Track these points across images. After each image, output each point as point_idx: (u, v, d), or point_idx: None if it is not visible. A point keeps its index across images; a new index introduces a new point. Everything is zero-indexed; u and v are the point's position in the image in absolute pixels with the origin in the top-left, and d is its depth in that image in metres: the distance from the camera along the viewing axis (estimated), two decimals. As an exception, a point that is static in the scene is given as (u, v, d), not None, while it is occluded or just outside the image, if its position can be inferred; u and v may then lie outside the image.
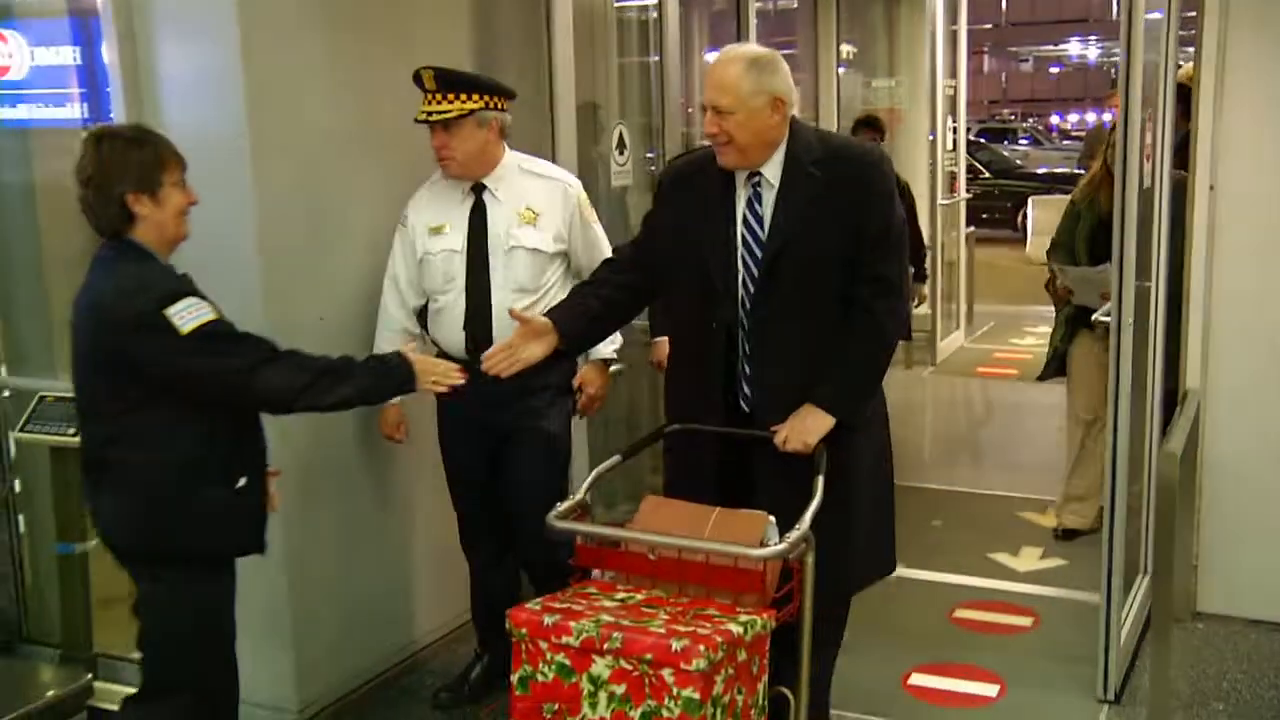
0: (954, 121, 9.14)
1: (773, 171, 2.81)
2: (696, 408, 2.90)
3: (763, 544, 2.51)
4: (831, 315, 2.81)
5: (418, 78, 3.31)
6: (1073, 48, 39.69)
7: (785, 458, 2.76)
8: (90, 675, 3.50)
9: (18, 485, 3.98)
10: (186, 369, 2.54)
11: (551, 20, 4.05)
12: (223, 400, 2.63)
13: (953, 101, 9.08)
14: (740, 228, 2.83)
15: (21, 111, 3.87)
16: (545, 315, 2.94)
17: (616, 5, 5.41)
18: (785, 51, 10.60)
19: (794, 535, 2.46)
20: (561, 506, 2.65)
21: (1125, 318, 3.46)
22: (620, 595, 2.56)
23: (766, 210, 2.81)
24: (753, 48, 2.84)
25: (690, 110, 5.96)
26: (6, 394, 3.90)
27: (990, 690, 3.66)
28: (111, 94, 3.36)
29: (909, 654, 3.87)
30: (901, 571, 4.55)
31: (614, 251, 3.23)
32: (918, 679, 3.73)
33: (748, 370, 2.86)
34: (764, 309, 2.81)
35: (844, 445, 2.80)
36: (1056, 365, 4.89)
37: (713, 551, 2.48)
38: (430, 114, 3.31)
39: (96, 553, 3.58)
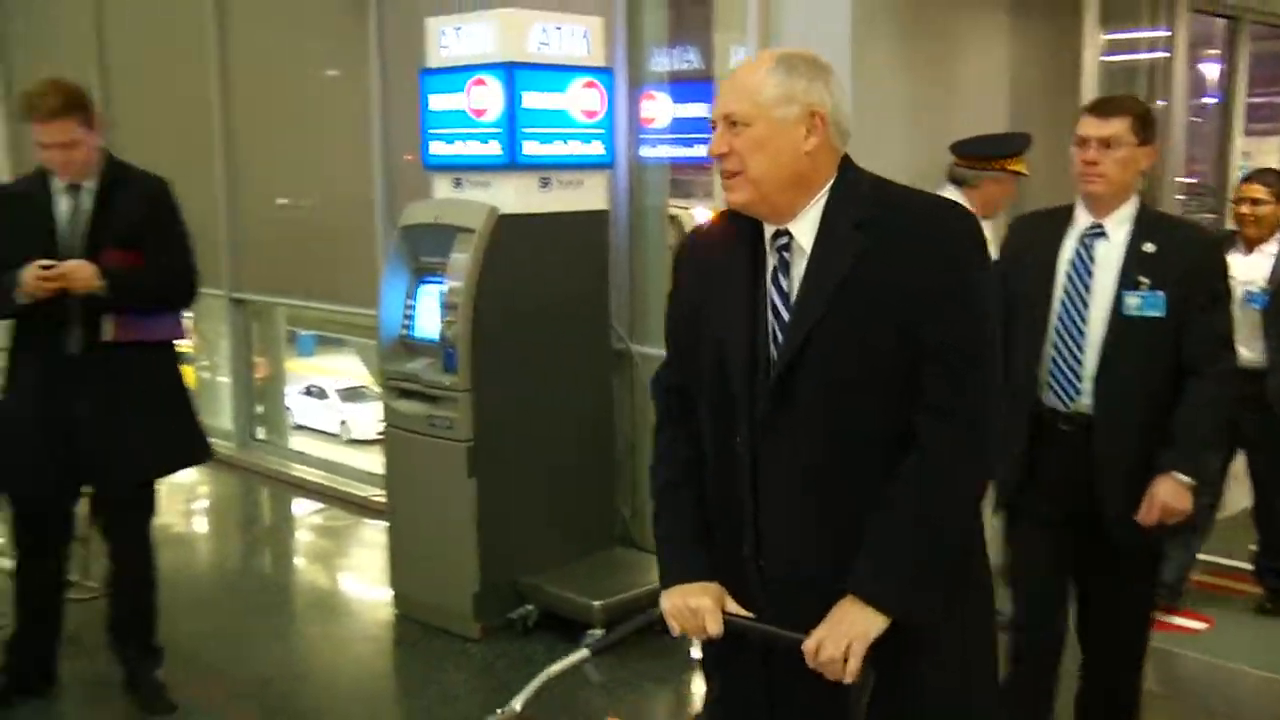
0: None
1: (805, 230, 1.97)
2: (726, 567, 2.06)
3: None
4: (876, 452, 1.93)
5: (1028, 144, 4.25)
6: None
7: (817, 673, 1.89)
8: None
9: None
10: None
11: (1081, 76, 4.86)
12: None
13: None
14: (769, 311, 1.99)
15: (662, 151, 5.21)
16: (701, 580, 2.06)
17: (1108, 58, 6.05)
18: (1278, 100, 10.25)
19: None
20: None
21: None
22: None
23: (794, 287, 1.97)
24: (790, 49, 2.05)
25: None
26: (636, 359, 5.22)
27: (1199, 625, 4.09)
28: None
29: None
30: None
31: (658, 399, 2.24)
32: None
33: (757, 516, 2.01)
34: (777, 430, 1.96)
35: (911, 652, 1.92)
36: None
37: None
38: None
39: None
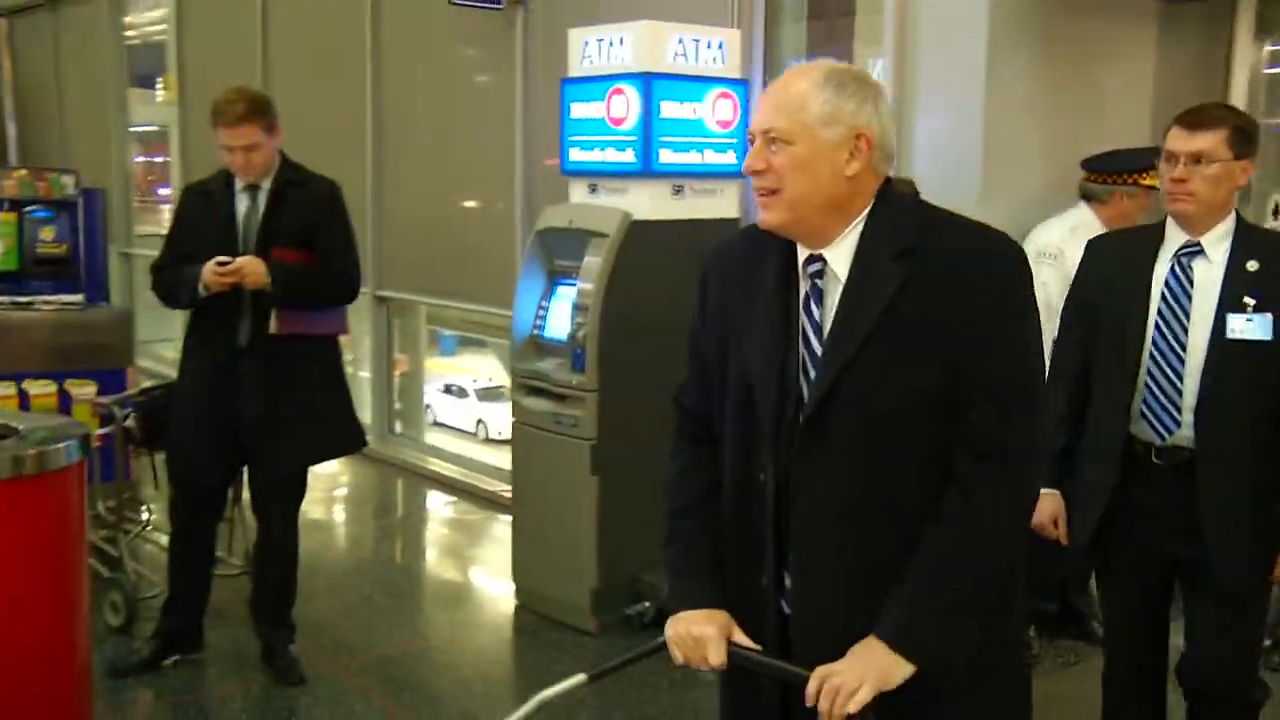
0: None
1: (841, 258, 1.87)
2: (739, 602, 1.98)
3: None
4: (914, 482, 1.85)
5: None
6: None
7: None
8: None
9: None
10: None
11: (1231, 89, 4.75)
12: None
13: None
14: (800, 341, 1.90)
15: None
16: (708, 608, 1.97)
17: (1271, 70, 5.85)
18: None
19: None
20: None
21: None
22: None
23: (828, 317, 1.88)
24: (837, 63, 1.91)
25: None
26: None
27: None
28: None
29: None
30: None
31: (677, 419, 2.18)
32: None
33: (789, 556, 1.93)
34: (809, 467, 1.87)
35: (938, 689, 1.82)
36: None
37: None
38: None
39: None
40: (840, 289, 1.87)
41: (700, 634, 1.93)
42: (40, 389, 5.16)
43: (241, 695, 4.07)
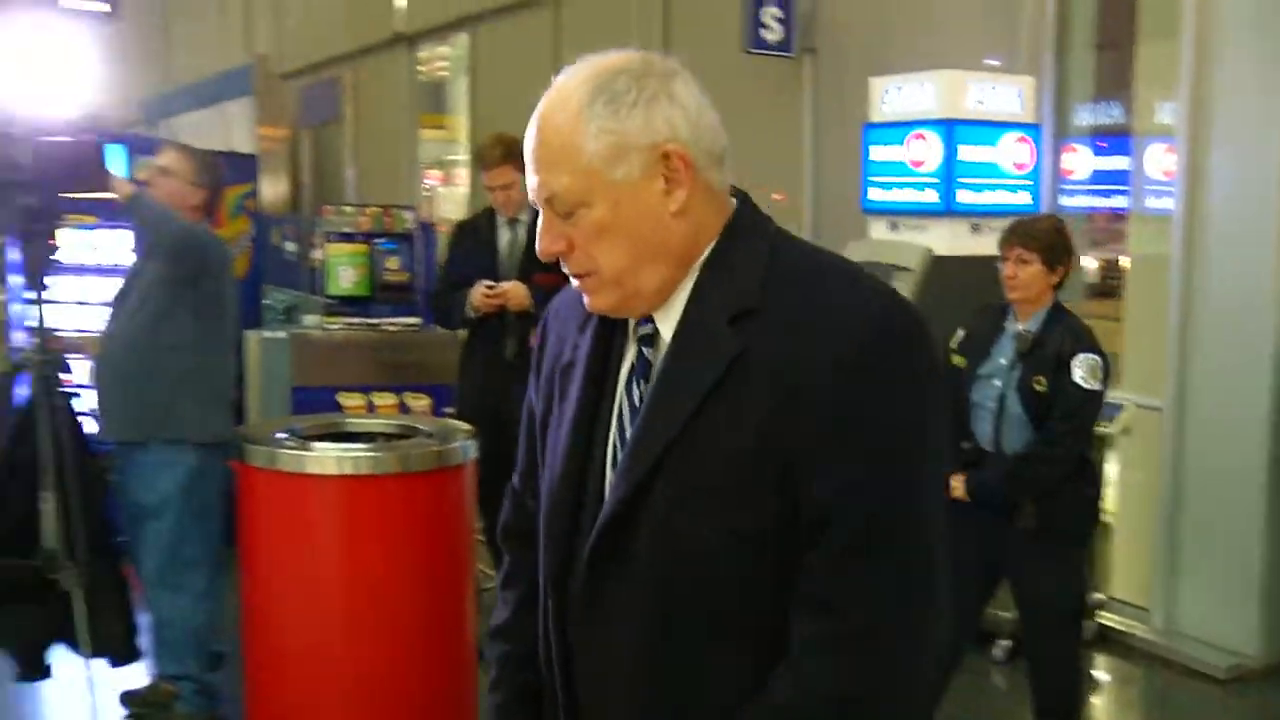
0: None
1: (669, 318, 1.40)
2: None
3: None
4: (743, 658, 1.35)
5: None
6: None
7: None
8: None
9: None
10: None
11: None
12: None
13: None
14: (615, 426, 1.43)
15: (1080, 201, 5.48)
16: None
17: None
18: None
19: None
20: None
21: None
22: None
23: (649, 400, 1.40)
24: (601, 61, 1.38)
25: None
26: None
27: None
28: (1175, 190, 4.76)
29: None
30: None
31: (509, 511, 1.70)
32: None
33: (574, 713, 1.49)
34: (595, 610, 1.40)
35: None
36: None
37: None
38: None
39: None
40: (661, 361, 1.39)
41: None
42: (384, 400, 5.84)
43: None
